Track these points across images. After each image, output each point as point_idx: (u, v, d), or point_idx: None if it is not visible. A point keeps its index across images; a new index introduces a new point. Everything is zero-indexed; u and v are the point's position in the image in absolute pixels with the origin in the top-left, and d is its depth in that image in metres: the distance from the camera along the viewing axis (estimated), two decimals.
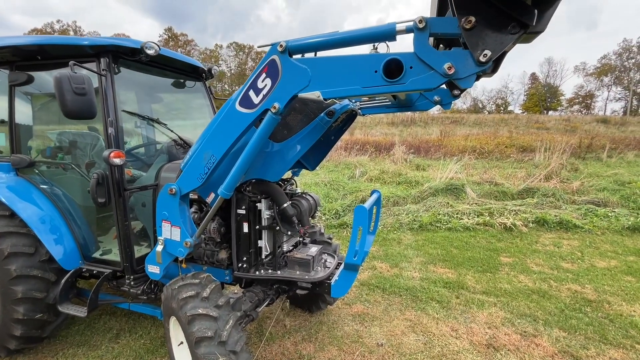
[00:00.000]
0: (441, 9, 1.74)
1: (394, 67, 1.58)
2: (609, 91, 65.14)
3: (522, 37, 1.40)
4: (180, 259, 2.56)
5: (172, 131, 3.08)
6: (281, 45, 1.76)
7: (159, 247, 2.43)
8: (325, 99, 1.77)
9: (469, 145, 16.10)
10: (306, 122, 2.36)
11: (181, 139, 3.07)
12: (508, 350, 3.03)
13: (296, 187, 2.97)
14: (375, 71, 1.60)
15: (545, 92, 65.72)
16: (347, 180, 9.97)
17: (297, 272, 2.58)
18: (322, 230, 3.42)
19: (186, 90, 3.42)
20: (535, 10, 1.35)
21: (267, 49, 1.87)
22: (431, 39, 1.66)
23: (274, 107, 1.83)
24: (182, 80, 3.33)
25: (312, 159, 3.06)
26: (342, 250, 3.15)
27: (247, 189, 2.51)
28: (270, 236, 2.62)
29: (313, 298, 3.45)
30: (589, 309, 3.76)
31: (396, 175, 10.14)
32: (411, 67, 1.54)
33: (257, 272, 2.60)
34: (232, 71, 71.92)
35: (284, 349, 2.99)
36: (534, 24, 1.37)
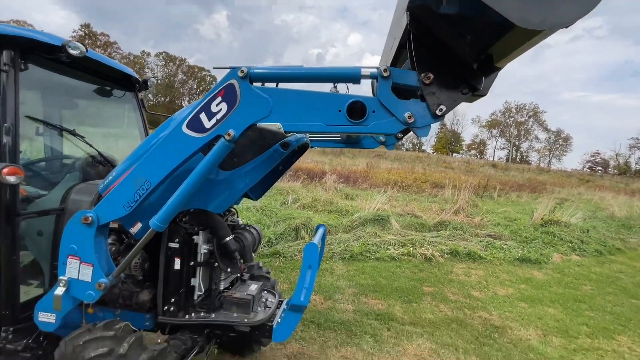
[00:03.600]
0: (395, 58, 1.87)
1: (357, 109, 1.61)
2: (496, 141, 79.51)
3: (469, 97, 1.57)
4: (86, 303, 2.08)
5: (90, 145, 2.60)
6: (242, 71, 1.66)
7: (59, 290, 1.93)
8: (285, 132, 1.70)
9: (392, 179, 17.49)
10: (258, 151, 2.22)
11: (101, 155, 2.61)
12: None
13: (237, 217, 2.74)
14: (339, 110, 1.63)
15: (450, 137, 76.63)
16: (280, 207, 9.79)
17: (235, 315, 2.32)
18: (260, 264, 3.21)
19: (112, 99, 2.98)
20: (482, 77, 1.54)
21: (224, 72, 1.74)
22: None
23: (229, 135, 1.68)
24: (108, 88, 2.90)
25: (257, 188, 2.89)
26: (280, 284, 2.97)
27: (184, 219, 2.22)
28: (207, 274, 2.33)
29: (245, 340, 3.14)
30: (496, 334, 4.19)
31: (328, 204, 10.34)
32: (374, 111, 1.60)
33: (187, 316, 2.26)
34: (159, 81, 67.06)
35: None
36: (481, 88, 1.56)
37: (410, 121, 1.55)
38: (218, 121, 1.72)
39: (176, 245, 2.20)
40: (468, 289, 5.62)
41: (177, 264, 2.22)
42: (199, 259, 2.25)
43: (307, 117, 1.65)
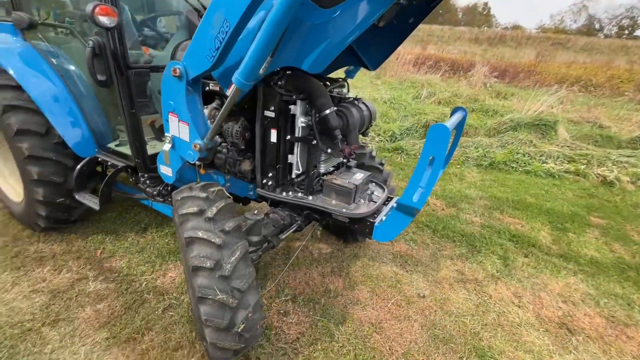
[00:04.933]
0: None
1: None
2: None
3: None
4: (196, 163, 2.10)
5: None
6: None
7: (166, 146, 1.95)
8: None
9: (572, 75, 13.00)
10: None
11: (205, 7, 2.32)
12: (587, 336, 2.38)
13: (347, 91, 2.19)
14: None
15: None
16: (411, 101, 8.67)
17: (333, 202, 2.01)
18: (373, 154, 2.72)
19: None
20: None
21: None
22: None
23: None
24: None
25: (374, 52, 2.18)
26: (397, 181, 2.46)
27: (279, 82, 1.81)
28: (304, 151, 2.00)
29: (349, 228, 2.96)
30: None
31: (471, 101, 8.56)
32: None
33: (283, 194, 2.08)
34: None
35: (309, 278, 2.66)
36: None
37: None
38: None
39: (272, 114, 1.87)
40: None
41: (272, 137, 1.93)
42: (296, 133, 1.90)
43: None
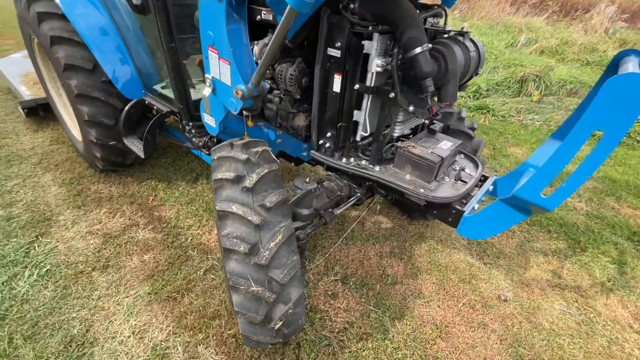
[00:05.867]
0: None
1: None
2: None
3: None
4: (244, 113, 1.74)
5: None
6: None
7: (206, 90, 1.60)
8: None
9: None
10: None
11: None
12: None
13: (445, 22, 1.55)
14: None
15: None
16: (504, 49, 7.17)
17: (408, 177, 1.53)
18: (463, 114, 2.11)
19: None
20: None
21: None
22: None
23: None
24: None
25: None
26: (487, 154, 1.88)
27: (351, 6, 1.28)
28: (377, 107, 1.50)
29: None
30: None
31: (588, 51, 6.80)
32: None
33: (343, 160, 1.65)
34: None
35: (364, 257, 2.30)
36: None
37: None
38: None
39: (337, 53, 1.38)
40: None
41: (336, 84, 1.46)
42: (368, 81, 1.39)
43: None
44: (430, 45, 1.21)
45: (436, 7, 1.55)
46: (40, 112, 3.47)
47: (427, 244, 2.45)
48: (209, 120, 1.84)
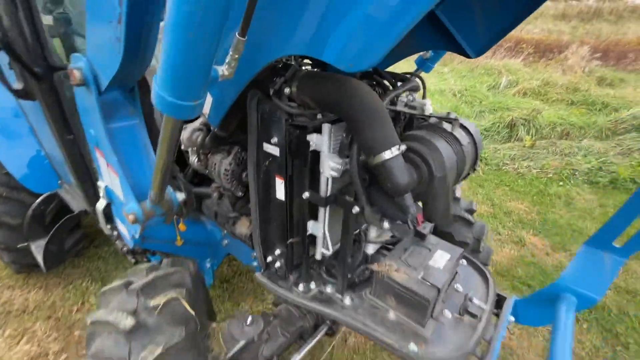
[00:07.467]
0: None
1: None
2: None
3: None
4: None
5: None
6: None
7: (100, 203, 1.14)
8: None
9: None
10: None
11: None
12: None
13: (423, 95, 1.16)
14: None
15: None
16: (487, 92, 7.12)
17: (391, 315, 1.05)
18: (457, 194, 1.69)
19: None
20: None
21: None
22: None
23: None
24: None
25: (478, 31, 1.10)
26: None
27: (286, 90, 0.88)
28: (339, 218, 1.05)
29: None
30: None
31: (570, 91, 6.73)
32: None
33: (300, 286, 1.16)
34: None
35: None
36: None
37: None
38: None
39: (275, 151, 0.96)
40: None
41: (279, 191, 1.02)
42: (322, 189, 0.96)
43: None
44: (404, 147, 0.79)
45: (410, 75, 1.17)
46: None
47: None
48: (123, 230, 1.37)
